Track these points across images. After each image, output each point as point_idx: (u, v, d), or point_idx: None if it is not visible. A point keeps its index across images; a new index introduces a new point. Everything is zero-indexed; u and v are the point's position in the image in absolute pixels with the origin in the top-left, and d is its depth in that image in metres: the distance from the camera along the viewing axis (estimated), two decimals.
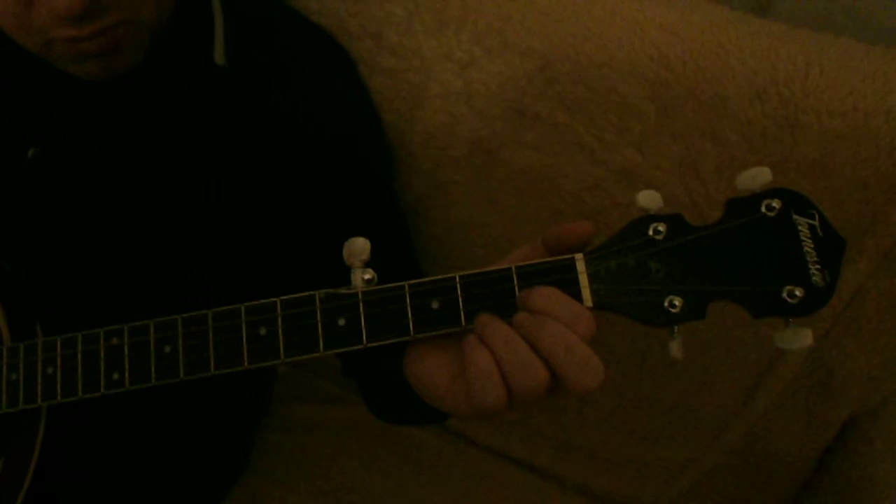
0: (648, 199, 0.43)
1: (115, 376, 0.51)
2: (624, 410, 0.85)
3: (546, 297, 0.42)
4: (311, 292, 0.47)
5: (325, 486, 0.88)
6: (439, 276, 0.45)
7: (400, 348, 0.48)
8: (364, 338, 0.46)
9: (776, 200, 0.42)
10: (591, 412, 0.86)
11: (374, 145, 0.75)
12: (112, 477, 0.72)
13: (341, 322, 0.46)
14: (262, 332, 0.48)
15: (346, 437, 0.93)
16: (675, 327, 0.43)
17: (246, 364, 0.48)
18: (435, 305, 0.45)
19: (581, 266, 0.43)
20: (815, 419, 0.79)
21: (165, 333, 0.50)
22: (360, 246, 0.47)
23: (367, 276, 0.46)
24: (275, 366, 0.90)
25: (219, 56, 0.64)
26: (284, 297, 0.48)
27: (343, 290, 0.46)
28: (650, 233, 0.43)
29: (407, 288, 0.46)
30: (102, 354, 0.52)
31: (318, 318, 0.47)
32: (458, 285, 0.45)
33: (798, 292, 0.41)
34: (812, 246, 0.41)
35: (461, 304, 0.44)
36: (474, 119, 0.75)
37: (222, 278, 0.66)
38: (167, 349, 0.50)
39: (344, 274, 0.47)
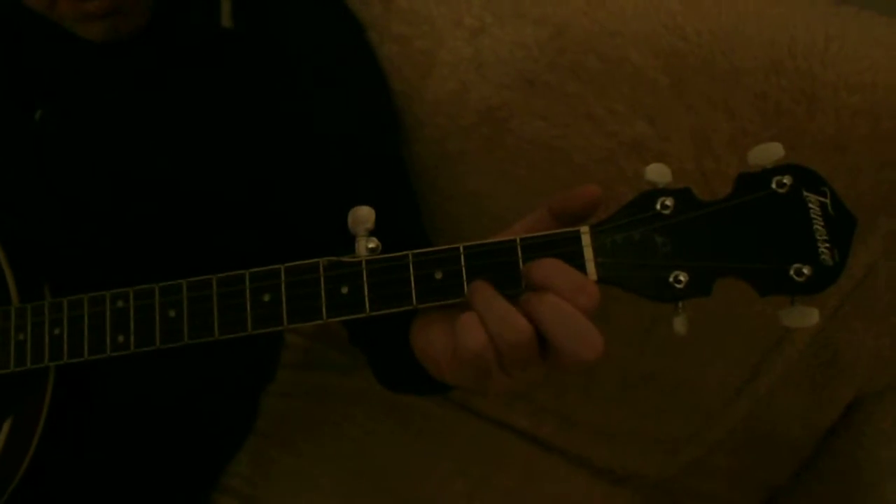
0: (657, 172, 0.43)
1: (121, 339, 0.52)
2: (627, 385, 0.85)
3: (548, 268, 0.42)
4: (315, 260, 0.47)
5: (330, 452, 0.89)
6: (443, 247, 0.45)
7: (406, 317, 0.48)
8: (367, 306, 0.46)
9: (787, 177, 0.41)
10: (595, 387, 0.86)
11: (381, 112, 0.74)
12: (117, 438, 0.73)
13: (344, 290, 0.46)
14: (266, 298, 0.48)
15: (351, 405, 0.93)
16: (680, 303, 0.42)
17: (250, 330, 0.48)
18: (438, 276, 0.45)
19: (586, 239, 0.43)
20: (820, 398, 0.79)
21: (170, 297, 0.50)
22: (364, 214, 0.46)
23: (370, 245, 0.46)
24: (281, 333, 0.92)
25: (226, 19, 0.64)
26: (288, 265, 0.48)
27: (346, 259, 0.46)
28: (657, 207, 0.42)
29: (410, 257, 0.45)
30: (108, 317, 0.52)
31: (322, 285, 0.46)
32: (461, 256, 0.44)
33: (806, 270, 0.40)
34: (822, 224, 0.40)
35: (464, 276, 0.44)
36: (484, 87, 0.74)
37: (227, 242, 0.66)
38: (172, 313, 0.50)
39: (350, 242, 0.47)
